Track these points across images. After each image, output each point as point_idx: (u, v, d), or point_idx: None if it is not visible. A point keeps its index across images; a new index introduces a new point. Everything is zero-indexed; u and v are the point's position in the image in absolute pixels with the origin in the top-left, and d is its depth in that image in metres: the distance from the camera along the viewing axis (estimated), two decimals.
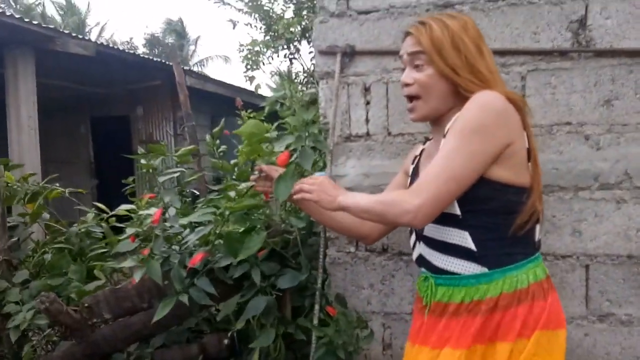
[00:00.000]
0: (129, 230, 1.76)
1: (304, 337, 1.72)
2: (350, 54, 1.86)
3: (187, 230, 1.68)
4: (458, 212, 1.08)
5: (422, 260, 1.21)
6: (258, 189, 1.53)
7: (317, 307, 1.77)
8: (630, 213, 1.78)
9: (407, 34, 1.19)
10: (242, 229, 1.52)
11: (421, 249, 1.20)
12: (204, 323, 2.04)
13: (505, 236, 1.09)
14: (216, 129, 2.03)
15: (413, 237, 1.26)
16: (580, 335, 1.86)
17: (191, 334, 2.02)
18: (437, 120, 1.20)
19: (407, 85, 1.17)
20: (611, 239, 1.80)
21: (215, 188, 1.95)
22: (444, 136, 1.13)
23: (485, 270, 1.09)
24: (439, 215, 1.09)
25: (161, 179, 1.69)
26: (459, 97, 1.14)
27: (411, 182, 1.29)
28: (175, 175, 1.91)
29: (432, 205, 1.03)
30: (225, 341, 1.89)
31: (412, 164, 1.35)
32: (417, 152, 1.36)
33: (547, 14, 1.75)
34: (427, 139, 1.37)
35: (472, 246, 1.09)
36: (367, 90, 1.92)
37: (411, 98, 1.18)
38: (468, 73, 1.11)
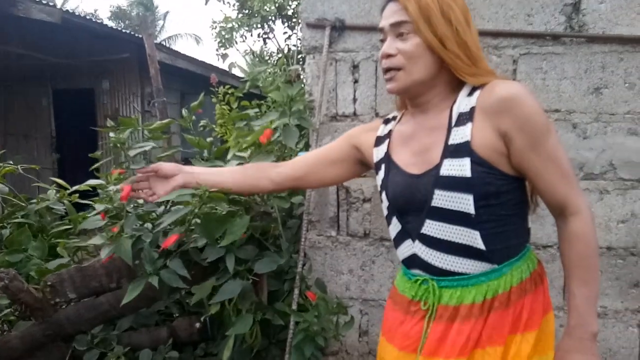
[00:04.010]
0: (99, 207, 1.63)
1: (282, 322, 1.65)
2: (339, 29, 1.77)
3: (161, 208, 1.58)
4: (472, 211, 0.98)
5: (416, 261, 1.08)
6: (151, 199, 1.38)
7: (296, 291, 1.71)
8: (613, 204, 1.78)
9: (390, 0, 1.06)
10: (221, 211, 1.42)
11: (416, 248, 1.07)
12: (175, 306, 1.95)
13: (511, 229, 1.04)
14: (194, 103, 1.91)
15: (399, 233, 1.11)
16: (556, 326, 1.86)
17: (160, 317, 1.93)
18: (417, 99, 1.08)
19: (389, 56, 1.04)
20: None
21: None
22: (451, 124, 1.02)
23: (494, 266, 1.02)
24: (445, 213, 1.00)
25: (132, 152, 1.57)
26: (441, 75, 1.04)
27: (384, 168, 1.15)
28: (147, 148, 1.79)
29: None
30: (197, 325, 1.81)
31: (376, 145, 1.19)
32: (380, 132, 1.21)
33: None
34: (387, 120, 1.24)
35: (482, 246, 1.00)
36: (355, 67, 1.85)
37: (391, 70, 1.05)
38: (457, 47, 1.00)
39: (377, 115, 1.85)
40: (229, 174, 1.38)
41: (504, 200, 1.01)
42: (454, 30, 1.01)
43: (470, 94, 1.03)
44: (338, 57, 1.85)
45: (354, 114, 1.86)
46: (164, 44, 17.41)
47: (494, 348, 1.00)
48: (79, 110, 7.44)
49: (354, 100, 1.86)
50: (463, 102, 1.03)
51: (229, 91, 2.87)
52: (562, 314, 1.85)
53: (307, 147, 1.97)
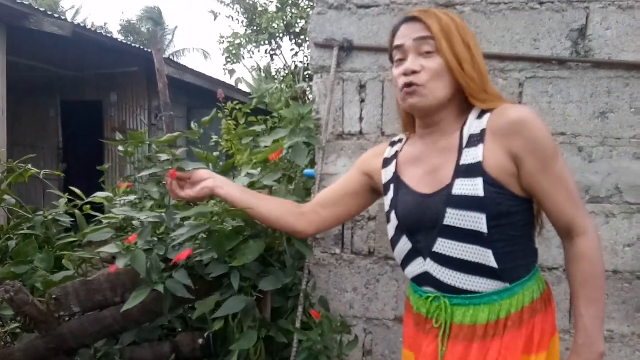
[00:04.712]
0: (107, 220, 1.64)
1: (285, 340, 1.65)
2: (347, 49, 1.80)
3: (174, 222, 1.58)
4: (485, 229, 0.99)
5: (427, 279, 1.08)
6: (181, 195, 1.34)
7: (300, 309, 1.71)
8: (619, 228, 1.78)
9: (410, 19, 1.07)
10: (230, 227, 1.43)
11: (428, 266, 1.07)
12: (178, 321, 1.94)
13: (520, 249, 1.05)
14: (205, 118, 1.93)
15: (409, 251, 1.11)
16: (561, 349, 1.85)
17: (163, 332, 1.92)
18: (429, 118, 1.10)
19: (414, 72, 1.04)
20: None
21: None
22: (462, 145, 1.04)
23: (506, 285, 1.03)
24: (458, 232, 1.01)
25: (145, 172, 1.58)
26: (454, 98, 1.06)
27: (393, 188, 1.16)
28: (158, 171, 1.81)
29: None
30: (200, 341, 1.80)
31: (384, 167, 1.22)
32: (387, 155, 1.24)
33: (548, 21, 1.74)
34: (393, 142, 1.26)
35: (494, 264, 1.01)
36: (362, 87, 1.87)
37: (413, 85, 1.05)
38: (472, 70, 1.03)
39: (383, 134, 1.86)
40: (264, 201, 1.36)
41: (514, 221, 1.02)
42: (470, 52, 1.04)
43: (479, 117, 1.06)
44: (345, 77, 1.87)
45: (360, 132, 1.88)
46: (172, 58, 17.61)
47: None
48: (87, 123, 7.51)
49: (361, 119, 1.88)
50: (473, 125, 1.05)
51: (237, 107, 2.90)
52: (568, 337, 1.84)
53: (312, 164, 1.98)
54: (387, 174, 1.20)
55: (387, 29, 1.85)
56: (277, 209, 1.34)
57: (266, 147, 1.67)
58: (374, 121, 1.87)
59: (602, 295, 1.04)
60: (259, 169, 1.50)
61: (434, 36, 1.03)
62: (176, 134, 1.68)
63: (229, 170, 2.01)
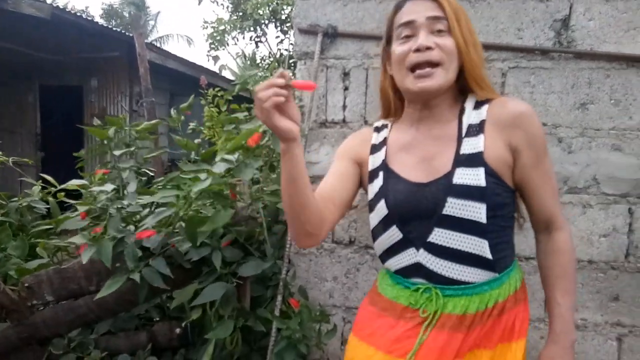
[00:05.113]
0: (81, 207, 1.60)
1: (264, 329, 1.64)
2: (331, 35, 1.77)
3: (146, 210, 1.55)
4: (484, 219, 0.99)
5: (419, 270, 1.05)
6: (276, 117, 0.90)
7: (279, 298, 1.70)
8: (595, 218, 1.80)
9: None
10: (206, 214, 1.40)
11: (420, 257, 1.04)
12: (155, 310, 1.92)
13: (507, 240, 1.06)
14: (183, 105, 1.89)
15: (398, 242, 1.07)
16: (536, 338, 1.88)
17: (140, 322, 1.90)
18: (432, 101, 1.05)
19: (428, 48, 0.98)
20: (574, 243, 1.81)
21: (181, 167, 1.79)
22: (461, 134, 1.02)
23: (496, 275, 1.03)
24: (457, 221, 0.99)
25: (117, 152, 1.54)
26: (454, 83, 1.03)
27: (382, 176, 1.10)
28: (132, 150, 1.77)
29: None
30: (177, 330, 1.78)
31: (372, 153, 1.15)
32: (375, 141, 1.16)
33: (532, 11, 1.73)
34: (378, 128, 1.19)
35: (489, 255, 1.01)
36: (346, 75, 1.85)
37: (427, 65, 0.99)
38: (476, 54, 1.01)
39: (366, 123, 1.85)
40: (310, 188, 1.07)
41: (505, 212, 1.03)
42: (474, 38, 1.02)
43: (475, 107, 1.04)
44: (329, 63, 1.85)
45: (344, 121, 1.86)
46: (155, 44, 17.31)
47: (481, 351, 1.02)
48: (66, 108, 7.35)
49: (344, 107, 1.86)
50: (472, 114, 1.04)
51: (219, 94, 2.85)
52: (543, 325, 1.86)
53: None
54: (374, 161, 1.15)
55: (372, 16, 1.83)
56: (321, 197, 1.10)
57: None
58: (357, 109, 1.85)
59: (575, 287, 1.10)
60: (237, 155, 1.47)
61: (447, 16, 1.00)
62: (154, 121, 1.64)
63: (209, 158, 1.98)
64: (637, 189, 1.75)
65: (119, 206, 1.49)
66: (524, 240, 1.82)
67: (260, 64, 9.54)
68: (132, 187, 1.51)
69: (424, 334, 1.03)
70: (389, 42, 1.09)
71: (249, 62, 9.71)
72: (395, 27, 1.06)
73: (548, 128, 1.78)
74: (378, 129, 1.20)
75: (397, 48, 1.04)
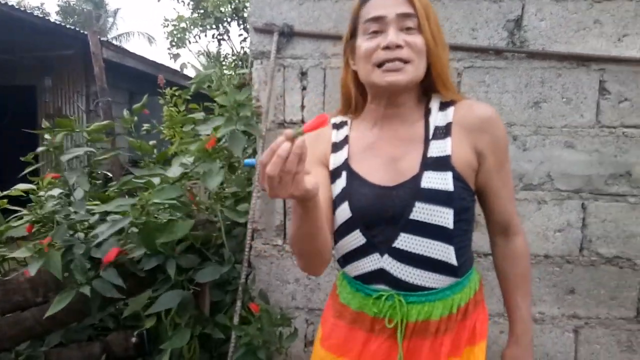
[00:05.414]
0: (27, 216, 1.52)
1: (223, 336, 1.60)
2: (288, 35, 1.74)
3: (96, 217, 1.48)
4: (451, 225, 0.96)
5: (381, 276, 1.01)
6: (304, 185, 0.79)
7: (239, 303, 1.66)
8: (550, 214, 1.84)
9: None
10: (162, 220, 1.35)
11: (384, 262, 1.00)
12: (110, 319, 1.85)
13: (468, 243, 1.04)
14: (136, 105, 1.82)
15: (361, 247, 1.02)
16: (496, 333, 1.91)
17: (94, 332, 1.82)
18: (399, 98, 1.01)
19: (398, 47, 0.94)
20: (530, 238, 1.86)
21: (134, 171, 1.72)
22: (428, 136, 0.99)
23: (458, 279, 1.01)
24: (424, 226, 0.97)
25: (65, 157, 1.46)
26: (420, 82, 1.00)
27: (345, 177, 1.04)
28: (83, 153, 1.69)
29: None
30: (133, 339, 1.72)
31: (333, 152, 1.08)
32: (335, 139, 1.10)
33: (486, 11, 1.75)
34: (336, 125, 1.11)
35: (454, 261, 0.99)
36: (304, 74, 1.82)
37: (396, 61, 0.95)
38: (443, 54, 0.98)
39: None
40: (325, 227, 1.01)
41: (469, 216, 1.01)
42: (441, 37, 0.98)
43: (441, 108, 1.01)
44: (286, 63, 1.82)
45: (302, 121, 1.83)
46: (115, 42, 16.81)
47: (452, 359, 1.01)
48: (19, 109, 7.04)
49: (302, 107, 1.84)
50: (438, 116, 1.01)
51: (177, 93, 2.78)
52: (503, 320, 1.89)
53: (255, 153, 1.93)
54: (336, 160, 1.08)
55: (328, 15, 1.81)
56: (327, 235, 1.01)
57: (200, 135, 1.59)
58: (316, 109, 1.83)
59: (531, 286, 1.13)
60: (192, 158, 1.42)
61: (417, 13, 0.95)
62: (104, 122, 1.57)
63: (164, 159, 1.92)
64: (590, 185, 1.80)
65: (66, 214, 1.42)
66: (482, 237, 1.84)
67: (224, 62, 9.39)
68: (79, 193, 1.44)
69: (401, 349, 1.00)
70: (353, 35, 1.04)
71: (212, 61, 9.54)
72: (361, 21, 1.01)
73: None
74: (337, 126, 1.13)
75: (364, 44, 0.99)
